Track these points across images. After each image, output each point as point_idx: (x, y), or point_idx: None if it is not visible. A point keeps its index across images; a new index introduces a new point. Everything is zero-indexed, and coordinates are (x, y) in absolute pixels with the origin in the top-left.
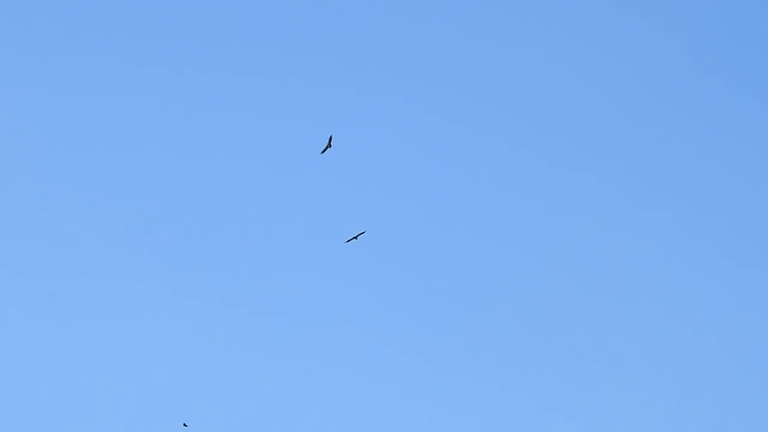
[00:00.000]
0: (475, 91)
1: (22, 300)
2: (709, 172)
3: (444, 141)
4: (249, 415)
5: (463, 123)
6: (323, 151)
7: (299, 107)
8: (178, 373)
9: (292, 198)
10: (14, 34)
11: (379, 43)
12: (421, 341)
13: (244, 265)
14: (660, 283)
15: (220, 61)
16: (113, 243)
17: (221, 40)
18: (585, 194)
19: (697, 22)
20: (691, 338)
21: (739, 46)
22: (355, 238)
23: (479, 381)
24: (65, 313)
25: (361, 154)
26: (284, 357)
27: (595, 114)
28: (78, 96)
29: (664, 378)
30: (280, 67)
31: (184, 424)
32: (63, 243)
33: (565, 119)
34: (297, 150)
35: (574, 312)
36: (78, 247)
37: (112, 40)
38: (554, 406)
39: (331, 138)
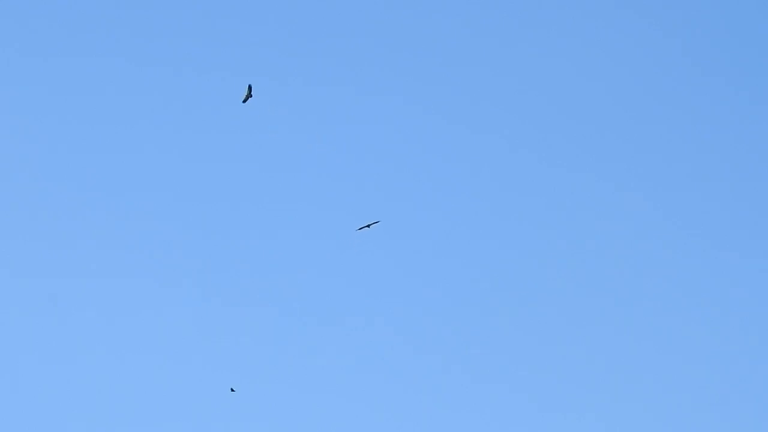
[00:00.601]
0: (475, 92)
1: (22, 300)
2: (709, 172)
3: (443, 141)
4: (252, 415)
5: (463, 123)
6: (244, 101)
7: (299, 107)
8: (180, 373)
9: (292, 198)
10: (14, 34)
11: (379, 43)
12: (422, 341)
13: (245, 265)
14: (660, 283)
15: (220, 61)
16: (113, 243)
17: (221, 40)
18: (585, 194)
19: (698, 22)
20: (692, 338)
21: (739, 46)
22: (368, 226)
23: (481, 381)
24: (65, 313)
25: (361, 155)
26: (286, 357)
27: (595, 114)
28: (78, 96)
29: (664, 378)
30: (280, 67)
31: (232, 389)
32: (63, 243)
33: (565, 119)
34: (297, 150)
35: (576, 312)
36: (78, 247)
37: (112, 40)
38: (554, 406)
39: (250, 87)
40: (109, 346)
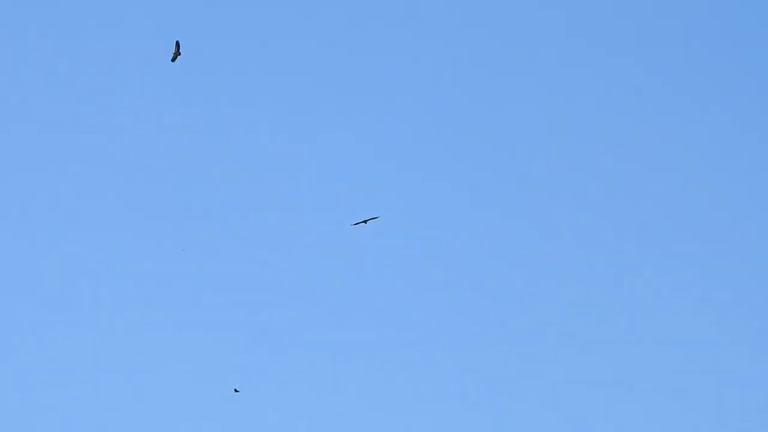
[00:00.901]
0: (475, 91)
1: (21, 299)
2: (709, 171)
3: (443, 141)
4: (252, 415)
5: (462, 122)
6: (173, 59)
7: (299, 107)
8: (179, 374)
9: (292, 198)
10: (14, 34)
11: (379, 42)
12: (422, 340)
13: (246, 265)
14: (660, 283)
15: (220, 60)
16: (112, 242)
17: (221, 39)
18: (585, 194)
19: (697, 21)
20: (692, 338)
21: (739, 46)
22: (365, 222)
23: (480, 381)
24: (65, 312)
25: (361, 154)
26: (286, 356)
27: (594, 114)
28: (78, 96)
29: (665, 378)
30: (280, 67)
31: (235, 390)
32: (63, 243)
33: (565, 119)
34: (297, 149)
35: (578, 312)
36: (78, 247)
37: (112, 40)
38: (556, 406)
39: (178, 44)
40: (108, 346)
